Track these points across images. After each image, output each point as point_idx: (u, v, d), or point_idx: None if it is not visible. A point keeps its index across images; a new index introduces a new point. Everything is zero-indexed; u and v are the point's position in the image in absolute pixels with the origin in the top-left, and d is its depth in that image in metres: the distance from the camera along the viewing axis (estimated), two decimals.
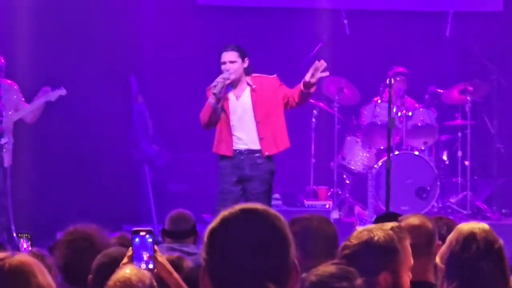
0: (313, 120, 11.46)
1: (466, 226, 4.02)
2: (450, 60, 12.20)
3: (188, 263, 4.97)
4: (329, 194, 11.50)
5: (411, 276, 3.98)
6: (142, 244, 4.23)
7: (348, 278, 3.32)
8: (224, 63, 8.77)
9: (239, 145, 8.85)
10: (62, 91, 10.36)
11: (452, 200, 11.42)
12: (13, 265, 2.72)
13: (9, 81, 10.42)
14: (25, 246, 5.76)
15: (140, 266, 4.14)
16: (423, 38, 12.28)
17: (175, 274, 4.32)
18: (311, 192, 11.50)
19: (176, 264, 4.67)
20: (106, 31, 11.86)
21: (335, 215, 10.96)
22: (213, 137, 9.12)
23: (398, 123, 11.19)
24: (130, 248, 4.26)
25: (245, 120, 8.85)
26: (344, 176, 11.64)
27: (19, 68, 10.66)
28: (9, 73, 10.37)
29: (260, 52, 11.16)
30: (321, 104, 11.58)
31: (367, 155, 11.46)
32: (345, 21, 11.87)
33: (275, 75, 8.96)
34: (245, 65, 8.83)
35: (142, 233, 4.24)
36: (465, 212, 11.18)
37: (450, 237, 4.04)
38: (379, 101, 11.36)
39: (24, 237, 5.91)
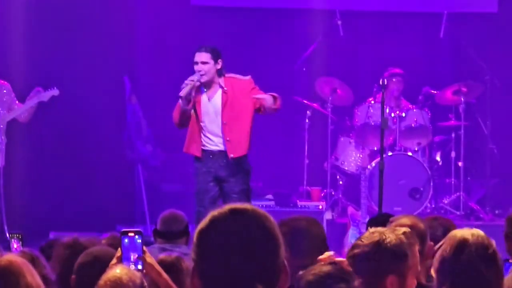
0: (307, 120, 11.45)
1: (460, 233, 4.01)
2: (444, 61, 12.21)
3: (187, 263, 4.95)
4: (322, 194, 11.49)
5: (416, 282, 3.99)
6: (131, 244, 4.24)
7: (345, 280, 3.34)
8: (197, 63, 8.79)
9: (211, 146, 8.86)
10: (55, 91, 10.36)
11: (445, 201, 11.44)
12: (2, 266, 2.73)
13: (1, 81, 10.42)
14: (15, 246, 5.75)
15: (129, 267, 4.14)
16: (417, 39, 12.29)
17: (164, 275, 4.33)
18: (304, 193, 11.50)
19: (174, 265, 4.67)
20: (99, 31, 11.86)
21: (328, 215, 10.97)
22: None
23: (392, 124, 11.19)
24: (119, 248, 4.26)
25: (216, 122, 8.86)
26: (337, 177, 11.64)
27: (11, 67, 10.66)
28: (1, 73, 10.38)
29: (253, 52, 11.19)
30: (314, 105, 11.57)
31: (361, 155, 11.46)
32: (339, 22, 11.87)
33: (249, 77, 8.94)
34: (218, 66, 8.82)
35: (131, 234, 4.26)
36: (458, 213, 11.18)
37: (444, 243, 4.04)
38: (372, 102, 11.35)
39: (15, 237, 5.90)
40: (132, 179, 11.87)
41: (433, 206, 11.24)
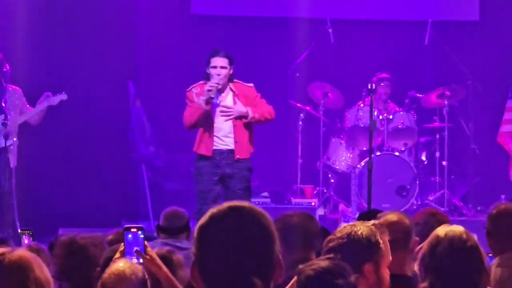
0: (300, 123, 11.45)
1: (440, 230, 4.03)
2: (428, 66, 12.21)
3: (179, 256, 4.97)
4: (315, 192, 11.49)
5: (388, 272, 4.00)
6: (134, 240, 4.24)
7: (343, 275, 3.34)
8: (216, 67, 8.78)
9: (221, 146, 8.88)
10: (63, 96, 10.35)
11: (430, 198, 11.43)
12: (12, 260, 2.73)
13: (13, 86, 10.41)
14: (26, 241, 5.76)
15: (131, 260, 4.15)
16: (403, 46, 12.29)
17: (164, 268, 4.33)
18: (298, 191, 11.50)
19: (166, 258, 4.68)
20: (104, 39, 11.86)
21: (320, 212, 10.97)
22: None
23: (380, 126, 11.19)
24: (122, 243, 4.27)
25: (227, 123, 8.88)
26: (329, 176, 11.63)
27: (22, 73, 10.64)
28: (13, 79, 10.36)
29: (250, 59, 11.18)
30: (307, 108, 11.59)
31: (351, 155, 11.48)
32: (330, 30, 11.86)
33: (252, 85, 8.99)
34: (231, 71, 8.87)
35: (133, 230, 4.26)
36: (442, 209, 11.13)
37: (427, 240, 4.07)
38: (362, 105, 11.35)
39: (26, 234, 5.92)
40: (136, 178, 11.86)
41: (419, 203, 11.24)
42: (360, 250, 3.84)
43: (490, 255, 5.48)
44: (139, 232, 4.25)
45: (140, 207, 11.60)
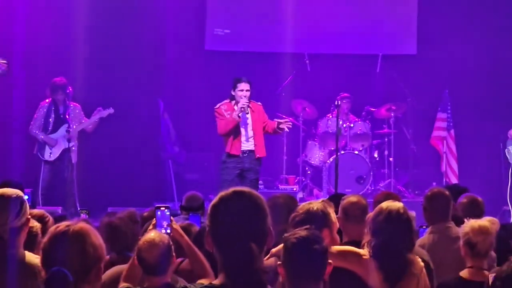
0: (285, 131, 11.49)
1: (384, 204, 4.05)
2: (379, 88, 12.19)
3: (196, 228, 4.98)
4: (296, 181, 11.48)
5: (338, 237, 4.04)
6: (162, 215, 4.21)
7: (318, 242, 3.31)
8: (243, 90, 8.83)
9: (244, 147, 8.93)
10: (111, 110, 10.34)
11: (381, 184, 11.43)
12: (75, 230, 2.75)
13: (74, 103, 10.42)
14: (84, 218, 5.75)
15: (160, 231, 4.14)
16: (361, 72, 12.28)
17: (186, 237, 4.31)
18: (284, 179, 11.49)
19: (186, 229, 4.68)
20: (141, 67, 11.88)
21: (300, 195, 10.96)
22: (217, 143, 9.18)
23: (343, 132, 11.22)
24: (154, 218, 4.27)
25: (248, 131, 8.94)
26: (306, 168, 11.64)
27: (80, 93, 10.64)
28: (74, 97, 10.38)
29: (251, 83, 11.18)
30: (290, 118, 11.52)
31: (322, 153, 11.49)
32: (307, 61, 11.88)
33: (260, 103, 9.07)
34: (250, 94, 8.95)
35: (162, 208, 4.23)
36: None
37: (374, 210, 4.09)
38: (330, 116, 11.37)
39: (84, 212, 5.92)
40: (164, 171, 11.82)
41: (372, 188, 11.24)
42: (317, 220, 3.87)
43: (424, 227, 5.51)
44: (166, 210, 4.22)
45: (167, 192, 11.57)
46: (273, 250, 3.72)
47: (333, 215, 3.99)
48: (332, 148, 11.11)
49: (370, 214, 3.99)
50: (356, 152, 11.26)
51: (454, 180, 11.12)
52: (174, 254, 4.02)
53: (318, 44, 12.36)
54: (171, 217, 4.25)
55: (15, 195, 3.47)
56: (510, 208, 10.06)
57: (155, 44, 12.11)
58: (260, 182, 11.07)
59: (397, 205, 3.98)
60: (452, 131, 11.49)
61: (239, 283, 2.44)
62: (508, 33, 11.71)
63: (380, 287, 3.83)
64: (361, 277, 3.89)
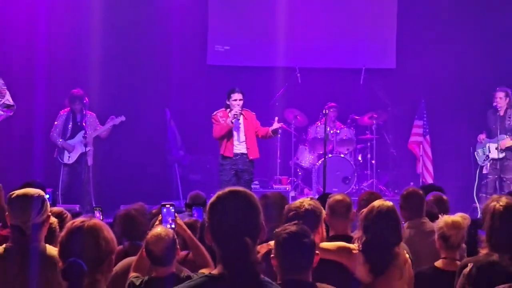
0: (279, 135, 11.48)
1: (376, 202, 4.03)
2: (363, 98, 12.19)
3: (200, 223, 4.98)
4: (288, 181, 11.48)
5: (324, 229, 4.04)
6: (168, 212, 4.20)
7: (307, 235, 3.31)
8: (235, 100, 8.87)
9: (237, 150, 8.93)
10: (123, 118, 10.35)
11: (364, 184, 11.44)
12: (89, 225, 2.75)
13: (90, 112, 10.44)
14: (97, 215, 5.75)
15: (166, 226, 4.14)
16: (346, 84, 12.28)
17: (188, 231, 4.30)
18: (277, 180, 11.49)
19: (192, 225, 4.69)
20: (149, 79, 11.93)
21: (292, 194, 10.95)
22: (218, 147, 9.18)
23: (331, 137, 11.23)
24: (160, 215, 4.27)
25: (241, 136, 8.95)
26: (298, 170, 11.65)
27: (95, 103, 10.67)
28: (90, 107, 10.39)
29: (247, 93, 11.18)
30: (283, 125, 11.60)
31: (312, 157, 11.51)
32: (298, 75, 11.89)
33: (254, 113, 9.09)
34: (243, 102, 8.94)
35: (167, 206, 4.22)
36: None
37: (367, 207, 4.09)
38: (319, 124, 11.37)
39: (98, 209, 5.90)
40: (171, 172, 11.83)
41: (357, 188, 11.24)
42: (310, 216, 3.87)
43: (402, 222, 5.51)
44: (171, 207, 4.22)
45: (173, 191, 11.58)
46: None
47: (322, 211, 4.00)
48: (321, 152, 11.10)
49: (363, 211, 3.98)
50: (342, 155, 11.26)
51: (429, 180, 11.12)
52: (178, 247, 4.01)
53: (308, 59, 12.37)
54: (176, 214, 4.24)
55: (37, 195, 3.47)
56: (477, 205, 10.07)
57: (163, 59, 12.11)
58: (256, 182, 11.09)
59: (387, 204, 3.98)
60: (427, 137, 11.50)
61: (236, 273, 2.42)
62: (477, 47, 11.73)
63: (366, 278, 3.82)
64: (349, 269, 3.89)
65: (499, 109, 10.08)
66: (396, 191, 11.38)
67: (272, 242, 3.47)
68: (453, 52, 11.81)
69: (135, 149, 11.67)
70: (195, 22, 12.43)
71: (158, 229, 4.00)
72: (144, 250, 4.00)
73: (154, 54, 12.02)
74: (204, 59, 12.50)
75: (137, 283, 3.94)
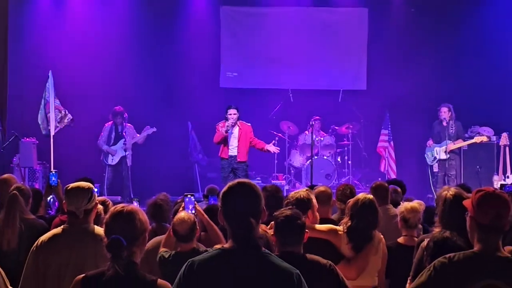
0: (275, 142, 11.45)
1: (360, 195, 4.04)
2: (341, 113, 12.19)
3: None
4: (283, 177, 11.46)
5: (318, 216, 4.01)
6: (189, 201, 4.21)
7: (299, 218, 3.29)
8: (230, 114, 8.90)
9: (231, 153, 8.95)
10: (154, 129, 10.44)
11: (343, 180, 11.37)
12: (128, 210, 2.75)
13: (128, 124, 10.49)
14: (135, 204, 5.75)
15: (188, 211, 4.12)
16: (328, 103, 12.25)
17: (205, 215, 4.30)
18: (275, 176, 11.48)
19: (213, 208, 4.67)
20: (174, 99, 11.90)
21: (286, 187, 10.96)
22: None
23: (316, 143, 11.22)
24: (183, 203, 4.27)
25: (235, 142, 8.96)
26: (291, 169, 11.63)
27: (133, 117, 10.70)
28: (129, 119, 10.43)
29: (251, 109, 11.16)
30: (279, 134, 11.60)
31: (302, 158, 11.49)
32: (290, 94, 11.91)
33: (249, 124, 9.10)
34: (238, 115, 8.93)
35: (189, 195, 4.23)
36: None
37: (351, 200, 4.06)
38: (307, 133, 11.36)
39: (135, 200, 5.90)
40: (192, 171, 11.85)
41: (337, 182, 11.17)
42: (304, 204, 3.86)
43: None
44: (192, 196, 4.22)
45: (194, 185, 11.58)
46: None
47: (314, 200, 3.97)
48: (309, 155, 11.10)
49: (350, 201, 3.98)
50: (325, 157, 11.25)
51: (393, 176, 11.11)
52: (198, 227, 4.00)
53: (298, 82, 12.36)
54: (195, 202, 4.24)
55: (87, 187, 3.48)
56: (434, 195, 10.06)
57: (185, 83, 12.14)
58: (258, 178, 11.15)
59: (369, 196, 4.00)
60: (391, 143, 11.52)
61: (243, 246, 2.42)
62: (430, 71, 11.78)
63: (349, 253, 3.84)
64: (336, 246, 3.89)
65: (443, 120, 10.11)
66: (367, 185, 11.32)
67: (263, 226, 3.46)
68: (410, 75, 11.81)
69: (164, 153, 11.69)
70: (210, 54, 12.44)
71: (182, 214, 4.00)
72: (171, 230, 4.00)
73: (178, 79, 12.04)
74: (218, 83, 12.51)
75: (167, 256, 3.95)
